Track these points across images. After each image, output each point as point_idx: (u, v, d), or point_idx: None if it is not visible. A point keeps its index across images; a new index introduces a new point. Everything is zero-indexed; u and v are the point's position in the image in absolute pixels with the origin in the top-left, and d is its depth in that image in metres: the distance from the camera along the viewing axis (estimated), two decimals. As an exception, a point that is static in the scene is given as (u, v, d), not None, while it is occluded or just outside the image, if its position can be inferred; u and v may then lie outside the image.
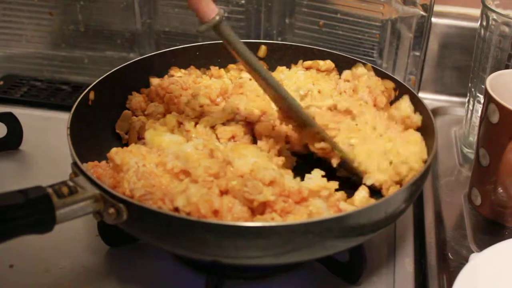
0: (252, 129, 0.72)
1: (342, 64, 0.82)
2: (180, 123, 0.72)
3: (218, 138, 0.70)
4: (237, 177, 0.59)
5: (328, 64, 0.81)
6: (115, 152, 0.64)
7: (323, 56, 0.82)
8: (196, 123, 0.71)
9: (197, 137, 0.68)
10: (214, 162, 0.61)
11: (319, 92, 0.76)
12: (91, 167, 0.63)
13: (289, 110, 0.68)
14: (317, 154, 0.69)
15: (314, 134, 0.67)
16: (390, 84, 0.76)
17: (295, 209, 0.58)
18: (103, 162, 0.65)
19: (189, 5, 0.60)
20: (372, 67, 0.79)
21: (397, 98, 0.77)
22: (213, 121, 0.71)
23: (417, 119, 0.70)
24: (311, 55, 0.83)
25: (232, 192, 0.59)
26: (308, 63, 0.82)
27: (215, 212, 0.56)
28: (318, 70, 0.81)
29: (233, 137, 0.69)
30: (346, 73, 0.80)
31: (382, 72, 0.79)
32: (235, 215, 0.56)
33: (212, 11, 0.59)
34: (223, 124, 0.71)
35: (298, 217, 0.57)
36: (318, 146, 0.68)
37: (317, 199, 0.60)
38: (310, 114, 0.68)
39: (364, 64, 0.80)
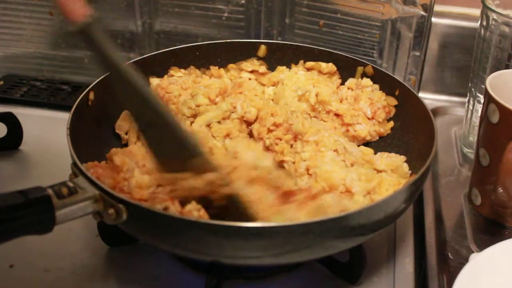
0: (248, 127, 0.72)
1: (343, 64, 0.82)
2: None
3: (214, 137, 0.70)
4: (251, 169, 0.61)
5: (330, 67, 0.81)
6: (115, 153, 0.64)
7: (323, 56, 0.82)
8: (192, 122, 0.72)
9: None
10: (223, 158, 0.62)
11: (316, 95, 0.76)
12: (91, 167, 0.63)
13: (169, 142, 0.55)
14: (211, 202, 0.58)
15: (200, 166, 0.56)
16: (393, 101, 0.77)
17: (304, 205, 0.59)
18: (103, 162, 0.65)
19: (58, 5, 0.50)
20: (373, 67, 0.79)
21: (397, 98, 0.77)
22: (208, 119, 0.71)
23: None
24: (312, 55, 0.83)
25: (258, 181, 0.59)
26: (310, 64, 0.82)
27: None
28: (320, 72, 0.81)
29: (227, 134, 0.69)
30: (351, 81, 0.80)
31: (382, 72, 0.79)
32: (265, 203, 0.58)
33: (81, 11, 0.50)
34: (219, 122, 0.71)
35: (309, 212, 0.58)
36: (209, 178, 0.56)
37: (328, 194, 0.61)
38: (193, 138, 0.56)
39: (365, 65, 0.80)
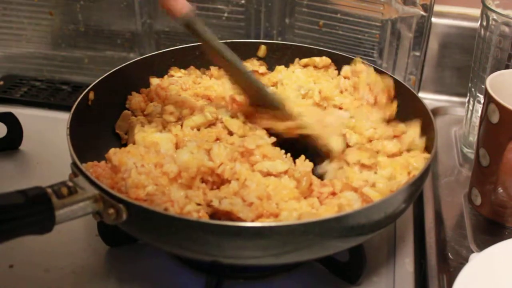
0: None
1: (343, 65, 0.82)
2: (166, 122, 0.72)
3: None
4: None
5: (324, 60, 0.81)
6: (113, 153, 0.63)
7: (323, 56, 0.82)
8: (181, 125, 0.71)
9: (189, 140, 0.67)
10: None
11: (319, 92, 0.76)
12: (90, 167, 0.63)
13: (259, 98, 0.71)
14: (282, 135, 0.70)
15: (282, 116, 0.70)
16: (390, 81, 0.76)
17: (326, 201, 0.60)
18: (103, 162, 0.65)
19: (160, 3, 0.63)
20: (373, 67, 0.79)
21: (398, 98, 0.77)
22: (195, 125, 0.70)
23: (420, 145, 0.69)
24: (311, 55, 0.82)
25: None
26: (305, 61, 0.82)
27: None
28: (315, 67, 0.81)
29: (217, 139, 0.68)
30: (345, 70, 0.79)
31: (382, 72, 0.78)
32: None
33: (183, 7, 0.62)
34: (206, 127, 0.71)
35: (329, 208, 0.58)
36: (284, 126, 0.69)
37: (349, 191, 0.61)
38: (278, 97, 0.71)
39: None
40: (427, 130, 0.68)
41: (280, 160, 0.64)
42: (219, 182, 0.63)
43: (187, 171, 0.61)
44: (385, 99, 0.75)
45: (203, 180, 0.62)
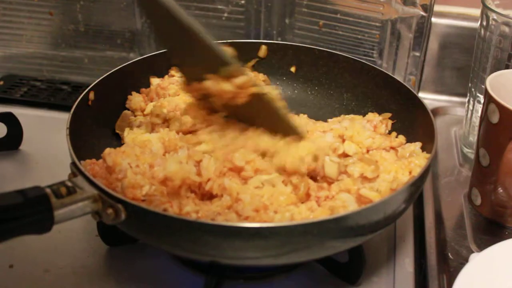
0: None
1: (343, 65, 0.82)
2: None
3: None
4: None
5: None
6: (108, 153, 0.63)
7: (323, 56, 0.82)
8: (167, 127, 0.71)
9: (181, 146, 0.66)
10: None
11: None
12: (88, 165, 0.62)
13: (207, 53, 0.63)
14: (234, 101, 0.65)
15: (233, 72, 0.63)
16: (387, 115, 0.75)
17: (323, 203, 0.60)
18: (101, 161, 0.65)
19: None
20: (372, 67, 0.79)
21: (397, 99, 0.77)
22: (178, 130, 0.70)
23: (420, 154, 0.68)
24: (312, 56, 0.83)
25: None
26: None
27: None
28: None
29: (199, 142, 0.67)
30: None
31: (382, 72, 0.79)
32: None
33: None
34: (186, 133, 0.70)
35: (325, 210, 0.58)
36: (239, 81, 0.62)
37: (344, 193, 0.61)
38: (228, 53, 0.64)
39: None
40: (427, 130, 0.68)
41: (276, 173, 0.63)
42: (208, 194, 0.62)
43: (171, 181, 0.60)
44: (384, 129, 0.74)
45: (191, 190, 0.62)
